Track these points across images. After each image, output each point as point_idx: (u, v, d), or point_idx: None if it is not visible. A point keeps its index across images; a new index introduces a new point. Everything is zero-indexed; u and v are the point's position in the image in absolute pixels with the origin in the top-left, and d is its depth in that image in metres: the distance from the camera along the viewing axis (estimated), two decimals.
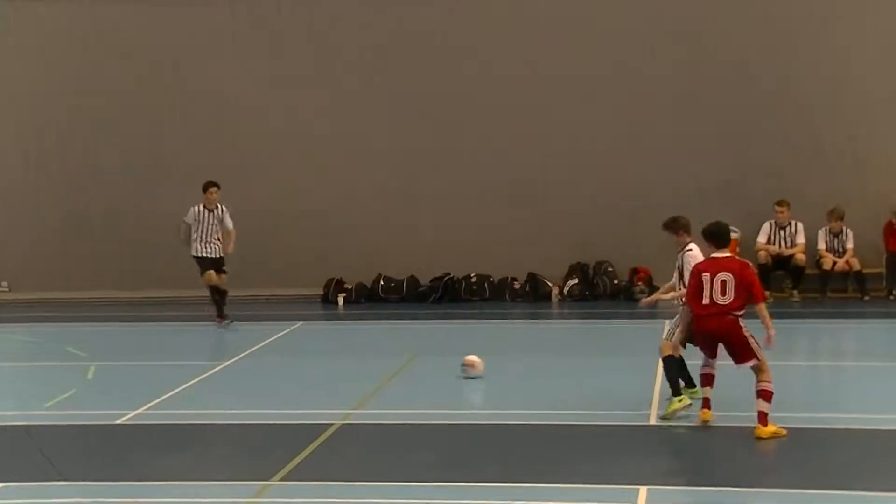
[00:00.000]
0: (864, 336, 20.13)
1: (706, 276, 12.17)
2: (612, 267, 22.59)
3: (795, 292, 21.86)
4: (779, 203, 21.55)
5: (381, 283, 23.03)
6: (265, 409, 13.86)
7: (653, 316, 20.47)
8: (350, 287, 23.15)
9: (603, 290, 22.50)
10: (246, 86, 23.46)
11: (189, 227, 19.85)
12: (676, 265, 13.69)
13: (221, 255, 20.00)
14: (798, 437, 12.36)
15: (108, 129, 23.86)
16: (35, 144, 24.14)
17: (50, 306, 22.80)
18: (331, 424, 12.95)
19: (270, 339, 19.05)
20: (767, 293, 20.97)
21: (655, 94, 22.73)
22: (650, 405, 13.82)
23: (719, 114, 22.58)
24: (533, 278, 22.71)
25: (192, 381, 15.61)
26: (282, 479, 11.00)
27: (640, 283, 22.39)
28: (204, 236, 19.81)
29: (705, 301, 12.14)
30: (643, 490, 10.36)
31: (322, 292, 23.18)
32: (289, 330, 19.99)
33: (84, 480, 11.10)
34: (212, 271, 19.75)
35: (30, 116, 24.09)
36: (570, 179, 22.69)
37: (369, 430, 12.97)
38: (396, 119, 23.13)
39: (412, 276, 23.02)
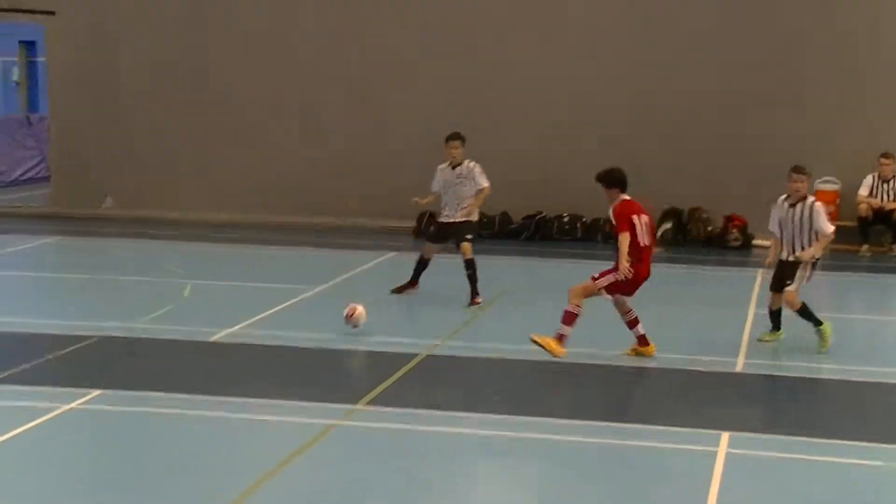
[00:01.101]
0: None
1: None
2: (707, 213, 22.56)
3: (895, 247, 21.63)
4: (884, 155, 21.28)
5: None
6: (354, 335, 14.10)
7: (744, 264, 20.53)
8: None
9: (696, 237, 22.48)
10: None
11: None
12: (791, 217, 13.93)
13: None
14: (887, 392, 12.45)
15: None
16: None
17: (151, 224, 23.17)
18: (416, 354, 13.18)
19: (362, 268, 19.26)
20: (866, 246, 21.03)
21: (759, 43, 22.49)
22: (738, 352, 13.93)
23: (820, 65, 22.34)
24: None
25: (285, 304, 15.88)
26: (367, 404, 11.29)
27: (734, 231, 22.32)
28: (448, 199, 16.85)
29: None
30: (725, 435, 10.47)
31: (414, 226, 23.32)
32: (380, 259, 20.18)
33: (178, 392, 11.55)
34: (431, 245, 17.03)
35: None
36: (669, 125, 22.59)
37: (454, 362, 13.19)
38: (514, 55, 23.27)
39: (504, 213, 23.09)
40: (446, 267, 16.71)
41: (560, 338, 12.73)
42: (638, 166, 22.32)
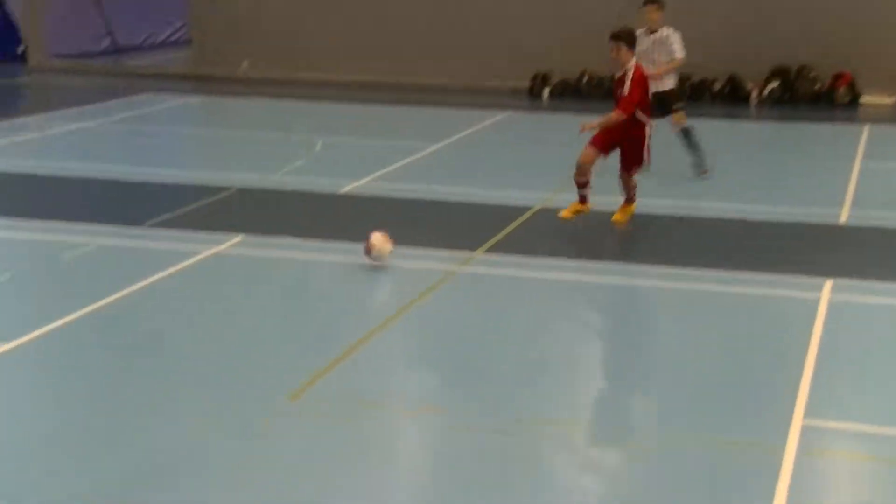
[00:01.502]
0: None
1: None
2: (814, 71, 22.06)
3: None
4: None
5: (585, 79, 22.95)
6: (472, 188, 14.15)
7: (851, 120, 20.13)
8: (555, 82, 23.15)
9: (803, 95, 22.04)
10: None
11: None
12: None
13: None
14: None
15: None
16: None
17: (284, 85, 23.25)
18: (530, 207, 13.21)
19: (479, 126, 19.22)
20: None
21: None
22: (842, 205, 13.74)
23: None
24: (733, 80, 22.36)
25: (409, 160, 15.99)
26: (486, 252, 11.36)
27: (842, 88, 21.86)
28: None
29: None
30: (829, 283, 10.40)
31: (529, 85, 23.23)
32: (496, 119, 20.12)
33: (310, 238, 11.73)
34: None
35: None
36: None
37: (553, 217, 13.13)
38: None
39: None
40: (536, 124, 16.60)
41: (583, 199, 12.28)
42: (745, 24, 22.10)
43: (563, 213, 12.18)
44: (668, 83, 14.78)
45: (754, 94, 22.26)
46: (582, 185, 12.10)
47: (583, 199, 12.16)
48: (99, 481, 6.43)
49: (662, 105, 14.52)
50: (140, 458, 6.73)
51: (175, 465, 6.71)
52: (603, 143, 12.01)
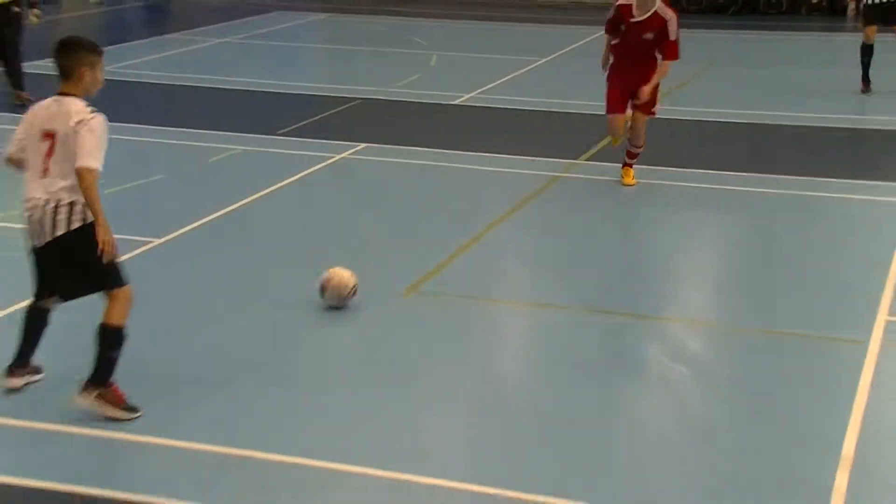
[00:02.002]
0: None
1: None
2: None
3: None
4: None
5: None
6: (572, 100, 14.03)
7: None
8: None
9: None
10: None
11: None
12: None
13: None
14: None
15: None
16: None
17: (402, 2, 23.17)
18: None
19: (584, 41, 19.00)
20: None
21: None
22: None
23: None
24: None
25: (516, 73, 15.94)
26: (586, 160, 11.35)
27: None
28: None
29: None
30: None
31: None
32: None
33: (428, 147, 11.76)
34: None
35: None
36: None
37: (659, 124, 12.99)
38: None
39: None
40: None
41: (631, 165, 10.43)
42: None
43: (626, 181, 10.29)
44: None
45: (851, 6, 21.58)
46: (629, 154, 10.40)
47: (633, 158, 10.41)
48: (233, 351, 6.60)
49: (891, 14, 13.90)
50: (264, 336, 6.92)
51: (296, 345, 6.87)
52: (623, 102, 10.04)
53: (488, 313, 7.62)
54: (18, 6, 13.06)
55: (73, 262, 5.84)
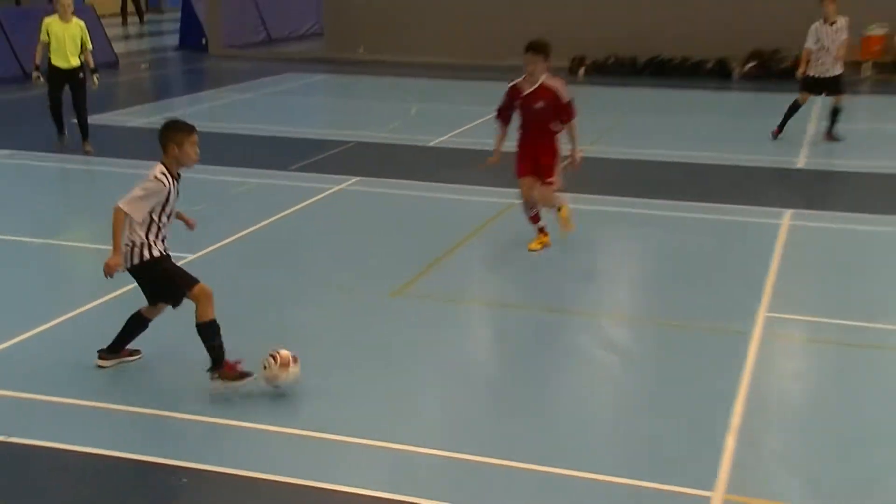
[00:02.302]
0: None
1: None
2: (781, 53, 21.52)
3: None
4: None
5: (611, 60, 22.61)
6: None
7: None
8: (588, 63, 22.83)
9: (774, 71, 21.52)
10: None
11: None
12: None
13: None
14: None
15: None
16: None
17: (391, 65, 23.13)
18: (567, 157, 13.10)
19: None
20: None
21: None
22: (799, 152, 13.49)
23: None
24: (721, 61, 21.91)
25: (482, 119, 15.94)
26: None
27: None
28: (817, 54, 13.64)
29: None
30: (788, 212, 10.27)
31: (568, 66, 22.94)
32: None
33: (407, 178, 11.73)
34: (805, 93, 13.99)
35: None
36: None
37: (596, 162, 12.92)
38: None
39: (632, 57, 22.49)
40: (574, 93, 16.27)
41: (543, 229, 9.04)
42: (730, 18, 21.59)
43: (532, 246, 8.91)
44: (839, 68, 13.71)
45: (737, 71, 21.81)
46: (534, 218, 8.99)
47: (543, 231, 9.00)
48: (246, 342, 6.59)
49: (834, 85, 13.66)
50: (271, 332, 6.90)
51: (301, 339, 6.86)
52: (532, 167, 8.78)
53: (461, 311, 7.63)
54: (83, 73, 13.02)
55: (145, 286, 6.11)
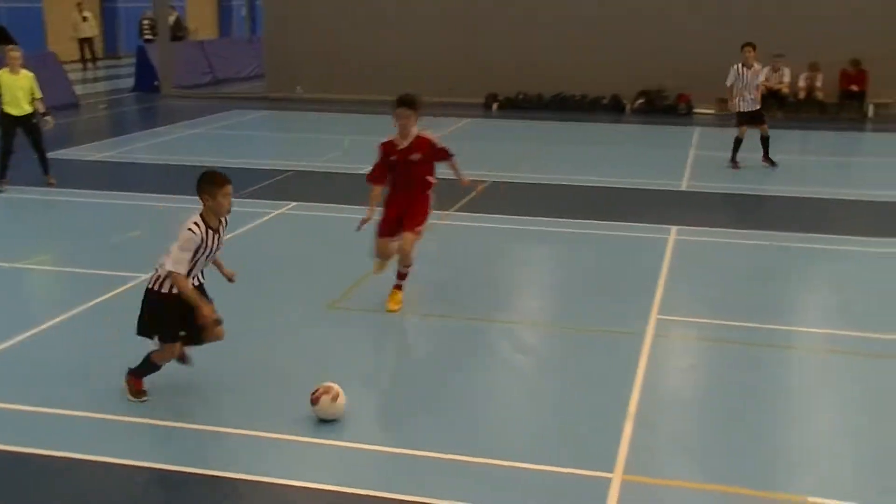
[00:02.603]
0: None
1: None
2: (666, 92, 21.99)
3: (778, 113, 20.90)
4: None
5: (521, 96, 22.82)
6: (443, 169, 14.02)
7: (687, 124, 20.06)
8: (501, 98, 23.01)
9: (658, 107, 21.97)
10: None
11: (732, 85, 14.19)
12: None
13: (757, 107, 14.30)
14: (814, 203, 12.19)
15: None
16: None
17: (325, 102, 23.00)
18: (482, 181, 13.13)
19: (454, 127, 18.99)
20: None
21: None
22: (682, 176, 13.75)
23: None
24: (615, 97, 22.30)
25: None
26: (456, 210, 11.24)
27: (682, 104, 21.81)
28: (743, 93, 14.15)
29: None
30: (674, 228, 10.42)
31: (483, 101, 23.09)
32: (462, 124, 19.98)
33: (341, 203, 11.58)
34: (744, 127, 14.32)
35: None
36: (637, 30, 21.86)
37: (509, 186, 13.12)
38: None
39: (539, 94, 22.72)
40: (490, 127, 16.36)
41: (400, 287, 7.79)
42: (622, 61, 21.99)
43: (391, 307, 7.64)
44: (759, 104, 14.31)
45: (628, 107, 22.20)
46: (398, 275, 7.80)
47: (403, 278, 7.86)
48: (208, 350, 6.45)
49: (757, 118, 14.22)
50: (221, 343, 6.78)
51: (248, 347, 6.73)
52: (395, 227, 7.80)
53: (387, 321, 7.58)
54: (35, 117, 12.69)
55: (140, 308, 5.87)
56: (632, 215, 11.16)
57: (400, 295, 7.72)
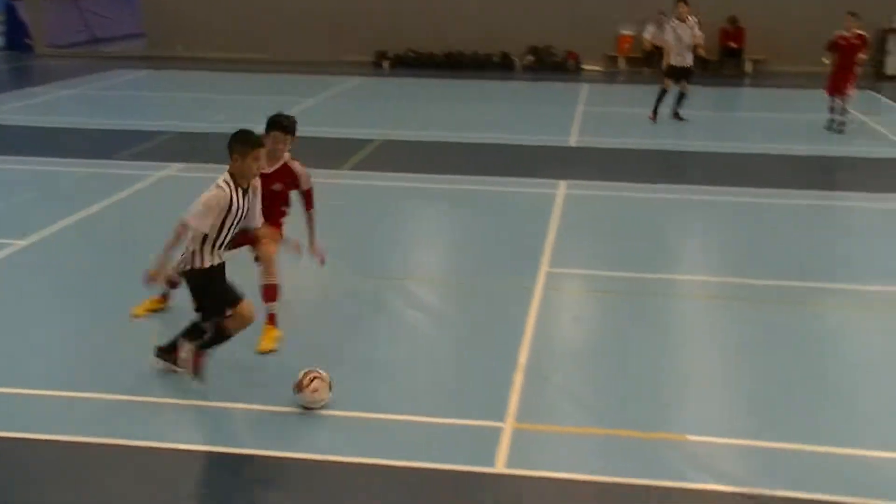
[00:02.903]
0: None
1: None
2: (554, 49, 22.24)
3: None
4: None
5: (411, 54, 22.70)
6: (340, 128, 13.86)
7: (575, 80, 20.35)
8: (391, 56, 22.85)
9: (548, 64, 22.22)
10: None
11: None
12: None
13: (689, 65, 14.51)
14: (693, 155, 12.50)
15: None
16: None
17: (203, 61, 22.31)
18: (372, 140, 13.08)
19: (341, 87, 18.90)
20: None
21: None
22: (571, 132, 13.96)
23: None
24: (505, 55, 22.41)
25: (294, 109, 15.64)
26: (350, 168, 11.28)
27: (571, 61, 22.11)
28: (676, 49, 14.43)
29: None
30: (563, 183, 10.57)
31: (373, 60, 22.89)
32: (353, 82, 19.76)
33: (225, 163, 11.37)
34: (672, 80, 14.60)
35: None
36: None
37: (400, 144, 13.07)
38: None
39: (430, 52, 22.66)
40: (381, 85, 16.25)
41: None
42: (511, 20, 22.11)
43: (136, 311, 6.58)
44: (689, 60, 14.47)
45: (518, 64, 22.36)
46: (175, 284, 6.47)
47: (166, 297, 6.69)
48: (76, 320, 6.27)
49: (685, 74, 14.39)
50: (107, 305, 6.61)
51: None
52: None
53: (284, 279, 7.46)
54: None
55: (190, 293, 5.44)
56: (522, 171, 11.27)
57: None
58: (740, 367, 5.99)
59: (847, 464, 4.81)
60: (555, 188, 10.39)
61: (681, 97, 14.75)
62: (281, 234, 6.52)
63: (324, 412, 5.18)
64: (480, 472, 4.66)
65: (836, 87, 13.95)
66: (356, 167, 11.35)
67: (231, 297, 5.39)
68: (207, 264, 5.31)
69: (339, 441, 4.93)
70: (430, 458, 4.78)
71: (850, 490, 4.53)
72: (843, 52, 13.84)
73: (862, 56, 13.86)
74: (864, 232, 9.17)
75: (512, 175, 11.06)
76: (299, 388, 5.21)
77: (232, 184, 5.31)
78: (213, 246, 5.32)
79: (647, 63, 21.20)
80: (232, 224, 5.33)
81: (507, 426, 5.10)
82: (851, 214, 9.79)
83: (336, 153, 12.14)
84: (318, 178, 10.28)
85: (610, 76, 21.47)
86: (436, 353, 6.16)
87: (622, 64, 22.21)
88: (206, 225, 5.21)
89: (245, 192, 5.38)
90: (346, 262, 7.94)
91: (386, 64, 22.73)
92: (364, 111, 16.14)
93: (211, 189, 5.30)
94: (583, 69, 21.88)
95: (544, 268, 7.68)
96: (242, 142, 5.32)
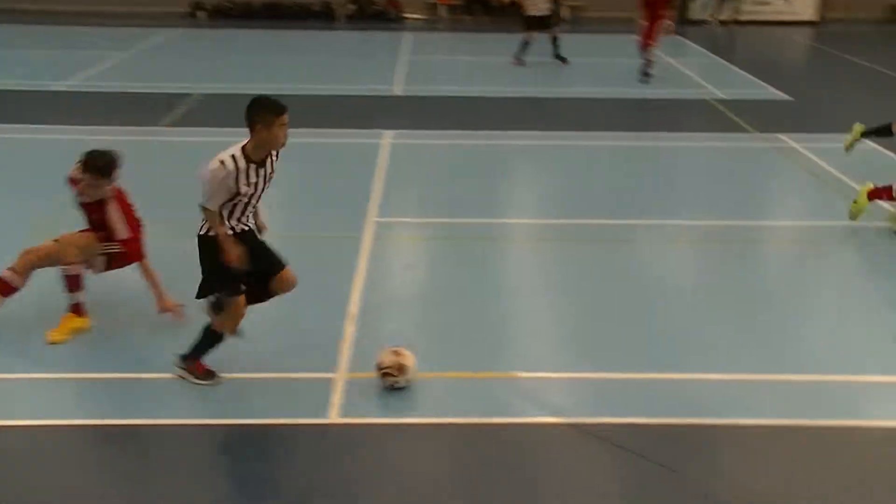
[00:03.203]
0: None
1: None
2: None
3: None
4: None
5: (228, 4, 21.96)
6: (156, 82, 13.28)
7: (398, 30, 20.30)
8: (208, 7, 22.02)
9: (370, 14, 22.03)
10: None
11: None
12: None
13: None
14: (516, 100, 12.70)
15: None
16: None
17: (55, 16, 20.81)
18: (191, 94, 12.57)
19: (154, 40, 18.03)
20: None
21: None
22: (396, 82, 13.94)
23: None
24: (326, 4, 22.05)
25: (108, 64, 14.84)
26: (169, 126, 10.87)
27: (392, 10, 22.02)
28: None
29: None
30: (389, 133, 10.57)
31: (188, 11, 22.00)
32: (168, 34, 18.87)
33: (39, 123, 10.65)
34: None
35: None
36: None
37: (220, 98, 12.53)
38: None
39: (248, 1, 21.99)
40: (196, 36, 15.57)
41: (77, 308, 5.66)
42: None
43: (54, 336, 5.52)
44: (548, 9, 14.92)
45: (339, 13, 22.06)
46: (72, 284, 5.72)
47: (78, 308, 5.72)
48: None
49: (544, 23, 14.93)
50: None
51: None
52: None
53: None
54: None
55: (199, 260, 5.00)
56: (346, 122, 11.16)
57: (80, 320, 5.65)
58: (565, 305, 6.22)
59: (669, 387, 5.10)
60: (380, 138, 10.36)
61: (555, 41, 15.31)
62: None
63: (154, 374, 5.01)
64: (315, 423, 4.66)
65: (644, 39, 14.51)
66: (175, 123, 10.91)
67: (232, 284, 4.97)
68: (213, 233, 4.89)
69: (172, 404, 4.79)
70: (266, 413, 4.74)
71: (672, 412, 4.81)
72: (649, 6, 14.36)
73: (668, 23, 14.34)
74: (674, 170, 9.67)
75: (336, 126, 10.93)
76: (401, 370, 4.96)
77: (240, 159, 4.83)
78: (230, 214, 4.93)
79: (469, 11, 21.39)
80: (242, 202, 4.91)
81: (339, 377, 5.10)
82: (663, 154, 10.30)
83: (153, 109, 11.62)
84: (135, 136, 10.02)
85: (432, 24, 21.53)
86: (265, 308, 6.04)
87: (443, 12, 22.30)
88: (217, 204, 4.84)
89: (260, 164, 4.92)
90: (169, 221, 7.65)
91: (202, 15, 21.88)
92: (181, 65, 15.50)
93: (212, 163, 4.81)
94: (405, 18, 21.83)
95: (372, 217, 7.68)
96: (269, 109, 4.90)
